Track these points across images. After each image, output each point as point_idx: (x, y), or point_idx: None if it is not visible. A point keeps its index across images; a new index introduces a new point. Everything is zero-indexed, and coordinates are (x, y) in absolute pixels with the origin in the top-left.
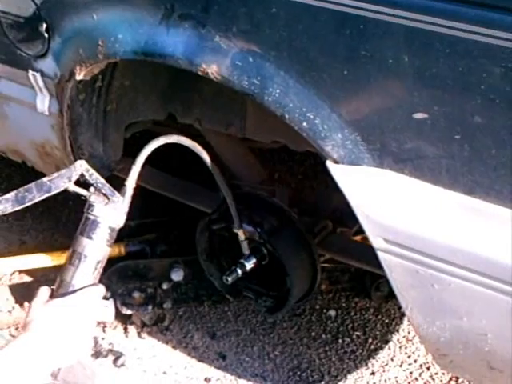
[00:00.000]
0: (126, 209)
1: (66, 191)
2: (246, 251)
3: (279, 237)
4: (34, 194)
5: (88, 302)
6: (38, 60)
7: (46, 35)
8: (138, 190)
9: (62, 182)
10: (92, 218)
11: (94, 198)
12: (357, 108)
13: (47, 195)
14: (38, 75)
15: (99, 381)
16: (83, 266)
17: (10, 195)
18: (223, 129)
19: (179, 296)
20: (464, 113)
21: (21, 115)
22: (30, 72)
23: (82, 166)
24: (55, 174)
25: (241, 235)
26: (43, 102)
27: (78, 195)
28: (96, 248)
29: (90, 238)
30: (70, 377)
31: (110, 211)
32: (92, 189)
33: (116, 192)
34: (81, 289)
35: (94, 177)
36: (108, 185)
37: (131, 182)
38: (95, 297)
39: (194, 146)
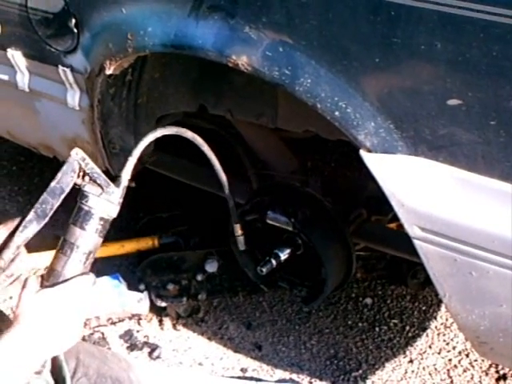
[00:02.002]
0: (120, 200)
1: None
2: (242, 247)
3: (313, 227)
4: (51, 203)
5: (78, 291)
6: (68, 55)
7: (75, 30)
8: (170, 182)
9: (69, 177)
10: (85, 208)
11: (88, 187)
12: (389, 96)
13: (63, 196)
14: (68, 70)
15: (134, 373)
16: (75, 255)
17: (30, 215)
18: (254, 119)
19: (214, 287)
20: (499, 98)
21: (52, 111)
22: (60, 67)
23: (77, 155)
24: (59, 174)
25: (237, 230)
26: (74, 97)
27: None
28: (88, 239)
29: (82, 228)
30: (105, 369)
31: (104, 202)
32: (87, 178)
33: (111, 183)
34: (71, 278)
35: (90, 166)
36: (103, 175)
37: (126, 174)
38: (86, 286)
39: (194, 137)
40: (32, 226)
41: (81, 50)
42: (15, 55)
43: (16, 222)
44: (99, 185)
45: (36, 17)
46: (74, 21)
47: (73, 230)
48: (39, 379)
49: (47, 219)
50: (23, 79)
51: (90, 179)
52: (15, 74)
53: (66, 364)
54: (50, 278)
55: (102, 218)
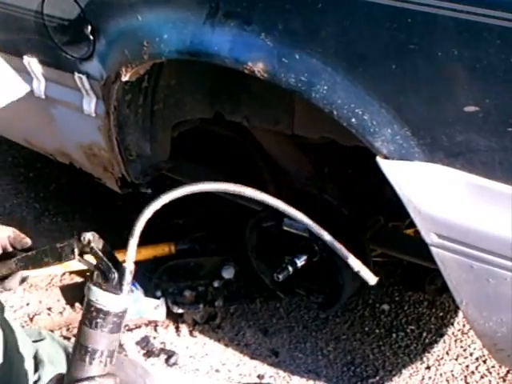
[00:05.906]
0: (128, 288)
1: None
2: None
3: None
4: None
5: None
6: (84, 62)
7: (91, 37)
8: None
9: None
10: (95, 305)
11: (94, 280)
12: (406, 103)
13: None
14: (83, 77)
15: (151, 380)
16: (93, 361)
17: None
18: (271, 126)
19: (230, 293)
20: None
21: (68, 117)
22: (76, 74)
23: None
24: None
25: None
26: (90, 104)
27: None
28: (103, 339)
29: (94, 328)
30: (122, 375)
31: (110, 296)
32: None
33: (115, 271)
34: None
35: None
36: (106, 260)
37: (131, 258)
38: None
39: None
40: None
41: (97, 57)
42: (31, 62)
43: None
44: (103, 272)
45: (52, 24)
46: (89, 28)
47: (84, 331)
48: None
49: None
50: (39, 86)
51: (95, 267)
52: (31, 80)
53: None
54: None
55: (113, 314)
